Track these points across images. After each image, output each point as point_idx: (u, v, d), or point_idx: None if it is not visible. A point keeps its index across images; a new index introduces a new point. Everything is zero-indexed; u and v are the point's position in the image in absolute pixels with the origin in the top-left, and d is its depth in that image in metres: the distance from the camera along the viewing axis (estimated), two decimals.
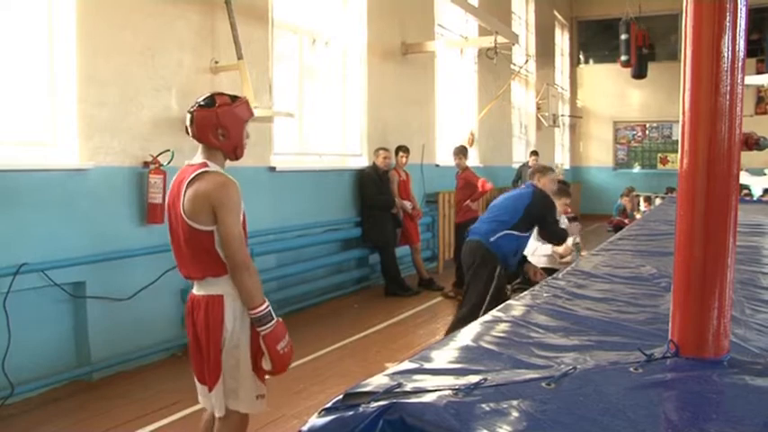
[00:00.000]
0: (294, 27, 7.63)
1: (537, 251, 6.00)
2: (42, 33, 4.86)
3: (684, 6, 1.64)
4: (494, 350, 1.90)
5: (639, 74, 15.88)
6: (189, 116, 2.83)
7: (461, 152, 8.65)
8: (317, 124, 8.18)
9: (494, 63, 10.08)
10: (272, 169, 6.94)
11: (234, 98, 2.88)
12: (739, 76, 1.62)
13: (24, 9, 4.75)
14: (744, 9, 1.63)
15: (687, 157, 1.69)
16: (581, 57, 20.20)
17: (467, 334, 2.06)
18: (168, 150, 5.38)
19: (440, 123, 10.78)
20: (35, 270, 4.53)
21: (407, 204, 8.49)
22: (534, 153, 13.76)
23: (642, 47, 15.60)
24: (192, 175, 2.77)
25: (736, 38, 1.63)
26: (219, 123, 2.77)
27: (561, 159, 18.97)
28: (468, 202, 8.36)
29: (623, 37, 15.53)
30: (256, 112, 5.64)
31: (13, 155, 4.67)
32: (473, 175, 8.53)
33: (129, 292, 5.15)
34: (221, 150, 2.84)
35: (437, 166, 9.65)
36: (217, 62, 6.12)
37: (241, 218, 2.78)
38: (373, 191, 8.22)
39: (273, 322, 2.75)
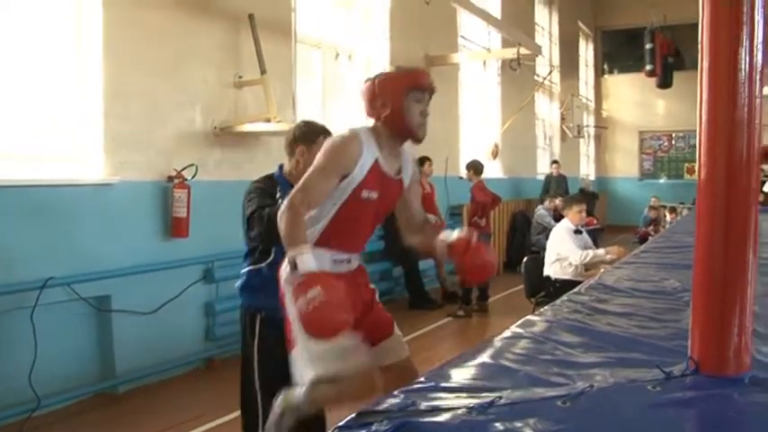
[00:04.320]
0: (317, 42, 7.69)
1: (564, 261, 5.89)
2: (70, 49, 4.95)
3: (701, 18, 1.63)
4: (511, 367, 1.89)
5: (665, 83, 15.74)
6: None
7: (469, 167, 8.60)
8: None
9: (517, 74, 10.05)
10: None
11: (399, 68, 2.79)
12: (757, 87, 1.60)
13: (52, 25, 4.84)
14: (761, 20, 1.61)
15: (705, 169, 1.67)
16: (605, 67, 20.06)
17: (484, 351, 2.05)
18: (192, 165, 5.44)
19: (464, 135, 10.78)
20: (61, 284, 4.58)
21: (431, 217, 8.45)
22: (555, 162, 13.90)
23: (667, 56, 15.46)
24: None
25: (754, 49, 1.61)
26: (378, 93, 2.57)
27: (586, 170, 18.83)
28: (475, 218, 8.27)
29: (648, 46, 15.43)
30: (278, 127, 5.73)
31: (40, 169, 4.75)
32: (478, 190, 8.43)
33: (154, 305, 5.19)
34: (384, 124, 2.59)
35: (461, 178, 9.61)
36: (240, 77, 6.17)
37: (336, 172, 2.48)
38: None
39: (300, 272, 2.30)
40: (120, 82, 5.11)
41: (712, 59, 1.63)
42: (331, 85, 8.06)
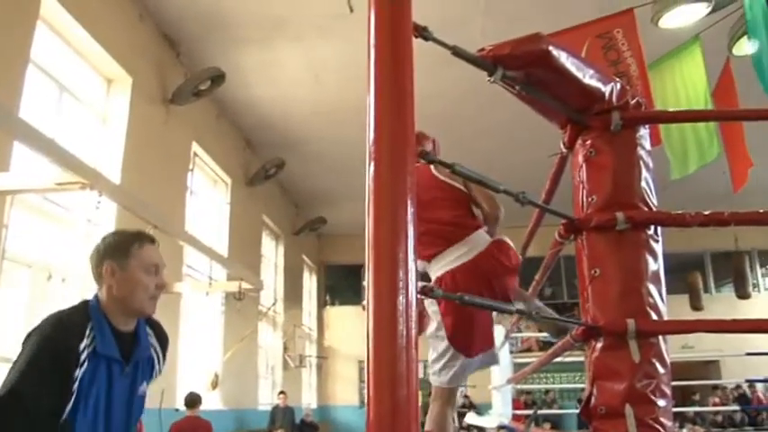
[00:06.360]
0: (28, 261, 7.24)
1: None
2: None
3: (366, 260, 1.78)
4: None
5: None
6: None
7: (185, 403, 8.69)
8: None
9: (242, 303, 10.23)
10: None
11: None
12: (413, 319, 1.78)
13: None
14: (413, 264, 1.79)
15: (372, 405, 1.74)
16: (328, 298, 21.17)
17: None
18: None
19: (182, 365, 10.39)
20: None
21: None
22: (282, 393, 13.94)
23: None
24: None
25: (409, 290, 1.78)
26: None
27: (309, 399, 18.97)
28: None
29: (364, 283, 16.68)
30: None
31: None
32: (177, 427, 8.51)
33: None
34: None
35: (177, 410, 9.15)
36: None
37: None
38: None
39: None
40: None
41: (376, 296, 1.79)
42: (40, 307, 7.50)
